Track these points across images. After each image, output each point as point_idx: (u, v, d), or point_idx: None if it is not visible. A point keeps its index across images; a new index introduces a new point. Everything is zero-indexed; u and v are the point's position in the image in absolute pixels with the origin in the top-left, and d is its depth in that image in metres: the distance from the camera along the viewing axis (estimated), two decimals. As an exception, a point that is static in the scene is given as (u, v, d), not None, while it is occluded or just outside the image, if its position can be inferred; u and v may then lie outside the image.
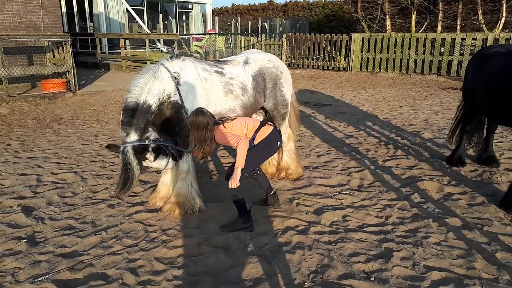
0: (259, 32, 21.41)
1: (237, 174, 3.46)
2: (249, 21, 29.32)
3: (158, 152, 3.80)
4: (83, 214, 4.21)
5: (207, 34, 18.78)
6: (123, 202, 4.48)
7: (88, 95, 11.34)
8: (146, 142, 3.72)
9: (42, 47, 11.55)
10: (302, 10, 35.52)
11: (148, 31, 16.00)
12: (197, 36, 18.92)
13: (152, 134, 3.83)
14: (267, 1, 38.88)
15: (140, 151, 3.69)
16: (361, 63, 16.35)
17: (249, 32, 26.09)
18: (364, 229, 3.81)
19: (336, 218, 4.04)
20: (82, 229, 3.88)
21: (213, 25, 23.98)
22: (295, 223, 3.94)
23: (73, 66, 10.80)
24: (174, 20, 24.09)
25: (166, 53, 14.90)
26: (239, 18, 24.09)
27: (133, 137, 3.73)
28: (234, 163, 3.59)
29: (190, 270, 3.20)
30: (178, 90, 3.88)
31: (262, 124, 3.75)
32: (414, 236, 3.65)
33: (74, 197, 4.63)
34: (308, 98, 11.32)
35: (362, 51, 16.20)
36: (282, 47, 18.23)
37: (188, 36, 18.87)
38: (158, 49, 15.76)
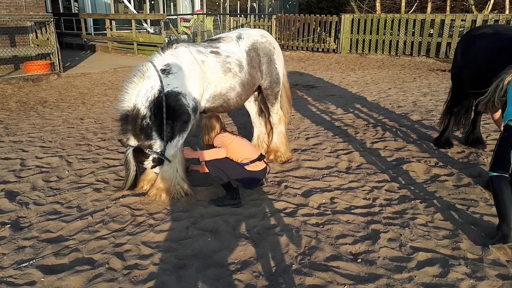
0: (248, 12, 21.07)
1: (193, 154, 3.85)
2: (238, 1, 28.88)
3: (159, 161, 3.99)
4: (69, 198, 4.15)
5: (195, 14, 18.42)
6: (109, 186, 4.42)
7: (74, 77, 11.11)
8: (147, 151, 3.91)
9: (25, 28, 11.22)
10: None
11: (135, 12, 15.62)
12: (184, 16, 18.52)
13: (156, 142, 3.97)
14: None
15: (140, 156, 3.89)
16: (350, 45, 16.24)
17: (238, 12, 25.70)
18: (352, 211, 3.82)
19: (324, 200, 4.04)
20: (68, 214, 3.83)
21: (201, 5, 23.52)
22: (283, 206, 3.94)
23: (57, 47, 10.52)
24: (161, 0, 23.57)
25: (153, 33, 14.64)
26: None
27: (133, 142, 3.89)
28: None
29: (177, 254, 3.18)
30: (169, 80, 3.86)
31: (259, 158, 3.85)
32: (401, 218, 3.68)
33: (59, 182, 4.56)
34: (298, 80, 11.24)
35: (351, 33, 16.07)
36: (271, 28, 18.00)
37: (176, 17, 18.48)
38: (145, 30, 15.44)
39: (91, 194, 4.24)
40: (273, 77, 4.66)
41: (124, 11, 21.44)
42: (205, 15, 18.82)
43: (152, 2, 22.06)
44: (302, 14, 17.62)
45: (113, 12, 16.50)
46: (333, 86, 10.35)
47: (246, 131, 6.27)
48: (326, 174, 4.69)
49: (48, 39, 10.54)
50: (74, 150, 5.56)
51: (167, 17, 19.97)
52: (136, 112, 3.82)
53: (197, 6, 24.86)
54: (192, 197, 4.12)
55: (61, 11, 20.43)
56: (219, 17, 22.07)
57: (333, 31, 16.38)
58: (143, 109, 3.83)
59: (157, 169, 4.12)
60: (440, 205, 3.91)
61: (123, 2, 16.31)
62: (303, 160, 5.14)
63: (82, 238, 3.41)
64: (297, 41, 17.38)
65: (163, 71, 3.88)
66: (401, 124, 6.66)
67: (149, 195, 4.13)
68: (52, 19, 10.41)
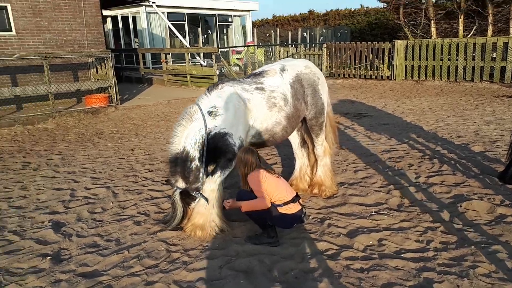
0: (299, 42, 21.21)
1: (234, 205, 3.75)
2: (289, 32, 29.26)
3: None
4: (109, 231, 4.17)
5: (246, 46, 18.84)
6: (149, 219, 4.40)
7: (130, 109, 11.63)
8: (194, 194, 3.89)
9: (86, 64, 12.03)
10: (343, 18, 34.95)
11: (188, 45, 16.30)
12: (236, 48, 19.04)
13: (202, 186, 3.95)
14: (308, 11, 38.71)
15: (187, 197, 3.88)
16: (405, 71, 15.67)
17: (289, 42, 25.98)
18: (402, 255, 3.45)
19: (370, 242, 3.71)
20: (106, 247, 3.82)
21: (253, 37, 24.09)
22: (324, 247, 3.66)
23: (114, 81, 11.12)
24: (214, 33, 24.50)
25: (205, 66, 15.11)
26: (278, 29, 24.04)
27: (181, 184, 3.88)
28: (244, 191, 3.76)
29: (209, 296, 3.02)
30: (216, 122, 3.85)
31: (293, 200, 3.67)
32: (459, 266, 3.25)
33: (103, 213, 4.62)
34: (348, 108, 10.92)
35: (406, 59, 15.53)
36: (322, 57, 17.92)
37: (227, 49, 19.03)
38: (198, 63, 15.98)
39: (131, 227, 4.23)
40: (318, 108, 4.51)
41: (180, 45, 22.52)
42: (256, 47, 19.19)
43: (205, 36, 22.96)
44: (354, 42, 17.38)
45: (168, 47, 17.29)
46: (387, 114, 9.90)
47: (289, 161, 6.07)
48: (375, 212, 4.34)
49: (106, 73, 11.18)
50: (121, 181, 5.67)
51: (220, 49, 20.67)
52: (185, 155, 3.81)
53: (249, 38, 25.55)
54: (229, 233, 3.97)
55: (123, 47, 21.87)
56: (271, 48, 22.45)
57: (386, 58, 15.93)
58: (192, 152, 3.82)
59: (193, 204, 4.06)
60: (507, 251, 3.43)
61: (178, 37, 17.05)
62: (349, 195, 4.82)
63: (115, 274, 3.36)
64: (349, 69, 17.10)
65: (210, 113, 3.87)
66: (461, 156, 6.13)
67: (185, 230, 4.04)
68: (110, 55, 11.08)
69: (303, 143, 4.96)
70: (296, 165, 5.05)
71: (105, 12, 22.35)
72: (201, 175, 3.88)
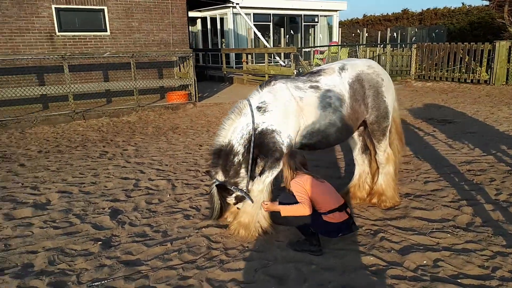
0: (387, 42, 20.12)
1: (273, 207, 3.58)
2: (379, 32, 27.96)
3: (241, 199, 3.92)
4: (160, 222, 4.29)
5: (329, 46, 18.39)
6: (198, 214, 4.45)
7: (207, 107, 12.02)
8: (232, 188, 3.83)
9: (171, 62, 12.71)
10: (441, 18, 32.40)
11: (268, 45, 16.40)
12: (319, 48, 18.68)
13: (243, 181, 3.89)
14: (401, 10, 36.59)
15: (224, 191, 3.83)
16: (507, 75, 14.00)
17: (378, 42, 24.80)
18: (459, 280, 3.02)
19: (424, 262, 3.31)
20: (152, 238, 3.94)
21: (338, 37, 23.44)
22: (371, 262, 3.35)
23: (194, 79, 11.58)
24: (299, 34, 24.35)
25: (284, 66, 15.07)
26: (365, 28, 23.08)
27: (221, 177, 3.85)
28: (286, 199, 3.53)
29: (237, 299, 2.93)
30: (264, 118, 3.75)
31: (339, 208, 3.45)
32: (528, 302, 2.74)
33: (158, 205, 4.78)
34: (433, 113, 10.04)
35: (509, 62, 13.87)
36: (411, 58, 16.79)
37: (309, 49, 18.77)
38: (278, 63, 16.00)
39: (180, 220, 4.31)
40: (381, 111, 4.14)
41: (265, 45, 22.79)
42: (339, 47, 18.64)
43: (289, 36, 22.89)
44: (447, 43, 15.98)
45: (249, 47, 17.57)
46: (476, 122, 8.90)
47: (348, 167, 5.72)
48: (437, 229, 3.88)
49: (188, 72, 11.69)
50: (183, 175, 5.84)
51: (304, 49, 20.46)
52: (229, 148, 3.78)
53: (335, 38, 24.94)
54: (272, 236, 3.84)
55: (210, 47, 22.77)
56: (357, 48, 21.65)
57: (484, 60, 14.38)
58: (237, 146, 3.77)
59: (240, 205, 3.98)
60: None
61: (259, 37, 17.25)
62: (412, 208, 4.38)
63: (154, 265, 3.43)
64: (441, 72, 15.77)
65: (259, 108, 3.79)
66: (559, 174, 5.24)
67: (230, 228, 4.00)
68: (191, 54, 11.55)
69: (365, 149, 4.61)
70: (355, 172, 4.73)
71: (195, 14, 23.51)
72: (242, 170, 3.81)
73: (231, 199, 3.92)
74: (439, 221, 4.05)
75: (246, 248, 3.67)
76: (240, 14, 20.53)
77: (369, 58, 18.93)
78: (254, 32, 17.02)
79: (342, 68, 4.07)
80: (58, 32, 11.09)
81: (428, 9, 34.84)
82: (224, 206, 3.93)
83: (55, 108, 10.92)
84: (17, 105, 10.49)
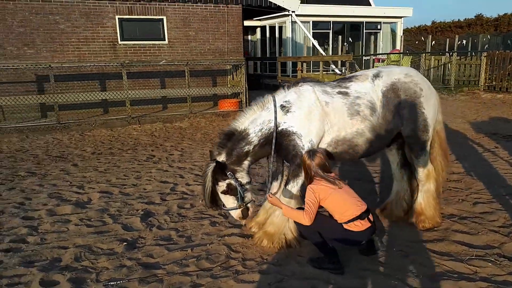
0: (454, 50, 18.89)
1: (277, 204, 3.38)
2: (447, 39, 26.42)
3: (231, 190, 3.68)
4: (186, 227, 4.32)
5: (390, 54, 17.68)
6: (225, 222, 4.42)
7: (257, 114, 12.04)
8: (228, 174, 3.64)
9: (225, 70, 12.94)
10: (520, 24, 30.02)
11: (324, 54, 16.11)
12: (380, 56, 18.03)
13: (242, 172, 3.72)
14: (474, 16, 34.38)
15: (219, 174, 3.60)
16: None
17: (446, 50, 23.42)
18: (492, 317, 2.67)
19: (457, 291, 2.98)
20: (175, 242, 3.96)
21: (401, 44, 22.48)
22: (395, 286, 3.08)
23: (245, 87, 11.68)
24: (360, 41, 23.72)
25: (339, 74, 14.72)
26: (430, 36, 21.88)
27: (222, 158, 3.66)
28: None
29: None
30: (286, 118, 3.62)
31: (360, 216, 3.23)
32: None
33: (189, 210, 4.82)
34: (499, 128, 9.20)
35: None
36: (480, 67, 15.62)
37: (367, 57, 18.17)
38: (333, 71, 15.68)
39: (206, 227, 4.31)
40: (418, 124, 3.83)
41: (320, 53, 22.50)
42: (401, 55, 17.85)
43: (349, 44, 22.37)
44: (523, 51, 14.67)
45: (309, 55, 17.41)
46: (548, 138, 8.02)
47: (383, 182, 5.37)
48: (478, 256, 3.49)
49: (240, 80, 11.83)
50: (219, 182, 5.85)
51: (360, 57, 19.89)
52: (244, 135, 3.65)
53: (398, 46, 23.95)
54: (295, 250, 3.69)
55: (268, 55, 22.93)
56: (423, 56, 20.60)
57: None
58: (253, 136, 3.64)
59: (229, 202, 3.74)
60: None
61: (315, 46, 17.04)
62: (454, 231, 4.00)
63: (171, 270, 3.44)
64: (513, 82, 14.49)
65: (282, 107, 3.66)
66: None
67: (254, 237, 3.92)
68: (243, 62, 11.68)
69: (404, 163, 4.28)
70: (393, 188, 4.42)
71: (255, 23, 23.84)
72: (246, 161, 3.67)
73: (222, 185, 3.66)
74: (482, 248, 3.65)
75: (265, 261, 3.56)
76: (298, 22, 20.51)
77: (434, 67, 17.97)
78: (311, 40, 16.86)
79: (376, 75, 3.83)
80: (120, 41, 11.77)
81: (505, 14, 32.45)
82: (215, 191, 3.68)
83: (114, 113, 11.57)
84: (80, 109, 11.27)
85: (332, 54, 21.67)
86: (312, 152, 3.37)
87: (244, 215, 3.73)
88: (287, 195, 3.69)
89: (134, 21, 11.90)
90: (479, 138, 8.19)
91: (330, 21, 22.73)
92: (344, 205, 3.22)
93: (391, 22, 24.71)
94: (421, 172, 4.04)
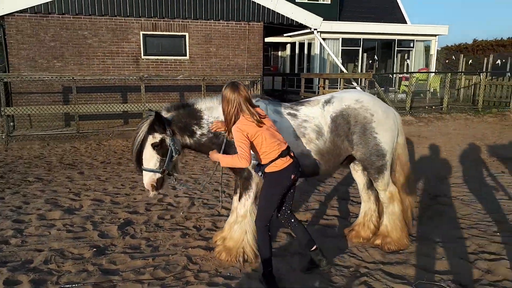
0: (487, 70, 18.18)
1: (214, 157, 3.40)
2: (485, 58, 25.43)
3: (161, 148, 3.56)
4: (158, 237, 4.48)
5: (417, 72, 17.30)
6: (196, 234, 4.54)
7: (272, 130, 12.15)
8: (167, 131, 3.53)
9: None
10: None
11: (345, 71, 16.02)
12: (406, 75, 17.69)
13: (179, 142, 3.66)
14: (518, 35, 32.87)
15: (157, 126, 3.50)
16: None
17: (479, 70, 22.55)
18: None
19: (393, 317, 2.93)
20: (142, 251, 4.13)
21: (433, 63, 21.91)
22: (332, 306, 3.07)
23: (260, 102, 11.83)
24: (391, 59, 23.35)
25: (360, 92, 14.59)
26: (461, 55, 21.18)
27: (164, 114, 3.64)
28: None
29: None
30: None
31: (282, 154, 3.21)
32: None
33: (168, 221, 4.97)
34: (516, 152, 8.80)
35: None
36: (512, 88, 14.98)
37: (391, 76, 17.86)
38: (355, 89, 15.56)
39: (176, 238, 4.45)
40: (370, 148, 3.81)
41: (353, 70, 22.33)
42: (429, 74, 17.41)
43: (376, 61, 22.06)
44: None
45: (328, 72, 17.41)
46: None
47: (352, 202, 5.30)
48: (429, 281, 3.40)
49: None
50: (207, 195, 5.98)
51: (399, 75, 19.55)
52: (198, 115, 3.67)
53: (433, 65, 23.35)
54: (250, 266, 3.75)
55: (296, 71, 23.07)
56: (448, 75, 19.97)
57: None
58: (204, 123, 3.67)
59: (152, 162, 3.57)
60: None
61: (336, 63, 16.97)
62: (418, 254, 3.91)
63: (126, 277, 3.60)
64: (547, 105, 13.76)
65: None
66: None
67: (215, 251, 4.01)
68: (260, 78, 11.88)
69: (371, 184, 4.25)
70: (361, 209, 4.39)
71: (285, 39, 24.11)
72: (188, 139, 3.67)
73: (156, 137, 3.52)
74: (441, 273, 3.55)
75: (218, 273, 3.64)
76: (327, 39, 20.54)
77: (464, 87, 17.38)
78: (333, 57, 16.83)
79: (327, 101, 3.88)
80: (143, 55, 12.33)
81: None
82: (144, 143, 3.53)
83: (134, 124, 12.05)
84: (102, 119, 11.84)
85: (361, 72, 21.49)
86: (234, 85, 3.18)
87: (158, 184, 3.64)
88: (242, 209, 3.77)
89: (157, 37, 12.44)
90: (490, 162, 7.87)
91: (360, 38, 22.57)
92: (271, 143, 3.16)
93: (425, 40, 24.18)
94: (383, 194, 4.01)
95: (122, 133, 10.88)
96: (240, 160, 3.09)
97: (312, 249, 3.48)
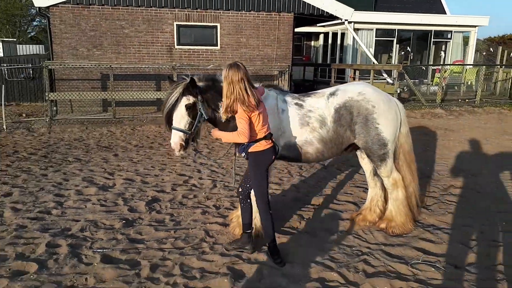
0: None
1: (216, 134, 3.70)
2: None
3: (192, 110, 3.73)
4: (181, 214, 4.92)
5: (452, 65, 16.91)
6: (215, 212, 4.94)
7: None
8: (199, 96, 3.71)
9: (271, 76, 13.45)
10: None
11: (375, 62, 15.91)
12: (440, 67, 17.30)
13: (204, 106, 3.77)
14: None
15: (191, 90, 3.66)
16: None
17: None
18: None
19: (385, 289, 3.21)
20: (165, 225, 4.58)
21: (472, 55, 21.24)
22: (332, 277, 3.40)
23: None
24: (427, 50, 22.83)
25: (391, 84, 14.46)
26: (500, 47, 20.40)
27: (200, 83, 3.81)
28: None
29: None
30: None
31: (266, 137, 3.55)
32: None
33: (191, 200, 5.41)
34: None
35: None
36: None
37: (426, 67, 17.50)
38: (385, 80, 15.46)
39: (197, 214, 4.87)
40: (371, 137, 4.06)
41: (387, 61, 22.01)
42: (465, 66, 16.98)
43: (411, 52, 21.64)
44: None
45: (359, 63, 17.33)
46: None
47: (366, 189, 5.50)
48: (425, 261, 3.63)
49: (283, 85, 12.27)
50: (229, 178, 6.38)
51: (432, 67, 19.19)
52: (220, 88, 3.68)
53: (470, 57, 22.64)
54: (262, 242, 4.11)
55: (328, 62, 23.02)
56: (483, 68, 19.33)
57: None
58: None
59: (182, 122, 3.73)
60: None
61: (366, 53, 16.85)
62: (420, 239, 4.15)
63: (150, 246, 4.06)
64: None
65: None
66: None
67: (230, 226, 4.41)
68: (288, 69, 12.11)
69: (376, 171, 4.49)
70: (368, 194, 4.65)
71: (318, 29, 24.05)
72: (210, 111, 3.83)
73: (189, 99, 3.68)
74: (438, 256, 3.78)
75: (232, 246, 4.02)
76: (359, 29, 20.38)
77: (501, 80, 16.83)
78: (363, 48, 16.74)
79: (332, 94, 4.15)
80: (176, 45, 12.84)
81: None
82: (177, 104, 3.68)
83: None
84: (137, 106, 12.49)
85: (397, 63, 21.18)
86: (235, 65, 3.38)
87: (185, 144, 3.81)
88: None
89: (190, 27, 12.91)
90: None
91: (395, 29, 22.13)
92: (261, 126, 3.48)
93: (464, 31, 23.42)
94: (386, 181, 4.25)
95: (155, 119, 11.46)
96: (239, 135, 3.42)
97: (247, 231, 3.84)
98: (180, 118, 3.74)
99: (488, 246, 3.94)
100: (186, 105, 3.69)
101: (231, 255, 3.82)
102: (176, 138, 3.77)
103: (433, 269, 3.51)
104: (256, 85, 4.09)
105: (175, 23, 12.76)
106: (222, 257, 3.78)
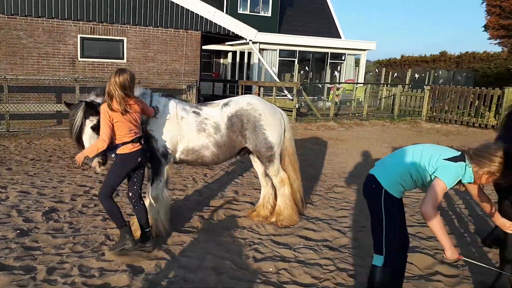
0: (406, 83, 20.19)
1: (80, 155, 3.81)
2: (408, 72, 27.92)
3: (97, 129, 3.87)
4: (80, 222, 4.92)
5: (344, 83, 18.82)
6: (116, 218, 5.04)
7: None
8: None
9: (180, 90, 13.71)
10: (479, 62, 31.80)
11: (277, 80, 17.23)
12: (337, 85, 19.19)
13: None
14: (439, 53, 36.31)
15: (92, 110, 3.86)
16: (516, 121, 13.64)
17: (405, 83, 24.84)
18: (285, 285, 3.36)
19: (270, 269, 3.70)
20: (64, 232, 4.57)
21: (362, 75, 23.76)
22: (224, 266, 3.76)
23: (195, 106, 12.45)
24: (324, 70, 25.00)
25: (291, 99, 15.66)
26: (384, 68, 23.27)
27: (94, 98, 4.03)
28: None
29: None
30: (150, 121, 4.32)
31: (133, 141, 3.81)
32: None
33: (92, 208, 5.41)
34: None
35: (518, 107, 13.55)
36: (423, 99, 16.81)
37: (322, 85, 19.23)
38: (285, 96, 16.66)
39: (97, 221, 4.92)
40: (259, 141, 4.63)
41: (290, 79, 23.56)
42: (355, 85, 19.00)
43: (302, 72, 23.52)
44: (459, 86, 15.92)
45: (263, 80, 18.46)
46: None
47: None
48: (306, 246, 4.23)
49: (191, 99, 12.61)
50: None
51: (327, 85, 20.99)
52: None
53: (361, 77, 25.26)
54: (162, 240, 4.34)
55: (236, 79, 23.95)
56: (368, 86, 21.81)
57: (493, 106, 14.18)
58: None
59: (86, 132, 3.90)
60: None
61: (269, 71, 18.11)
62: (304, 229, 4.75)
63: (47, 252, 4.05)
64: (450, 114, 15.64)
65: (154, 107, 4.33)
66: None
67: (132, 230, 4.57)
68: (195, 84, 12.51)
69: (267, 173, 5.05)
70: (261, 193, 5.18)
71: (227, 48, 24.95)
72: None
73: (93, 121, 3.88)
74: (317, 241, 4.38)
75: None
76: (265, 50, 21.65)
77: (385, 97, 19.15)
78: (266, 67, 17.92)
79: (225, 104, 4.67)
80: (80, 58, 12.49)
81: (467, 52, 34.27)
82: (83, 127, 3.87)
83: (67, 124, 12.13)
84: (35, 119, 11.81)
85: (296, 81, 22.80)
86: (119, 70, 3.69)
87: (103, 160, 3.97)
88: (153, 192, 4.38)
89: (95, 40, 12.67)
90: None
91: (296, 50, 23.96)
92: (127, 130, 3.74)
93: (355, 54, 26.12)
94: (275, 179, 4.82)
95: (54, 132, 10.97)
96: (99, 142, 3.67)
97: (146, 230, 4.12)
98: (90, 139, 3.95)
99: (357, 232, 4.66)
100: (91, 127, 3.91)
101: (132, 255, 4.00)
102: (94, 160, 3.93)
103: (312, 251, 4.08)
104: (157, 94, 4.42)
105: (79, 36, 12.43)
106: (122, 257, 3.94)
